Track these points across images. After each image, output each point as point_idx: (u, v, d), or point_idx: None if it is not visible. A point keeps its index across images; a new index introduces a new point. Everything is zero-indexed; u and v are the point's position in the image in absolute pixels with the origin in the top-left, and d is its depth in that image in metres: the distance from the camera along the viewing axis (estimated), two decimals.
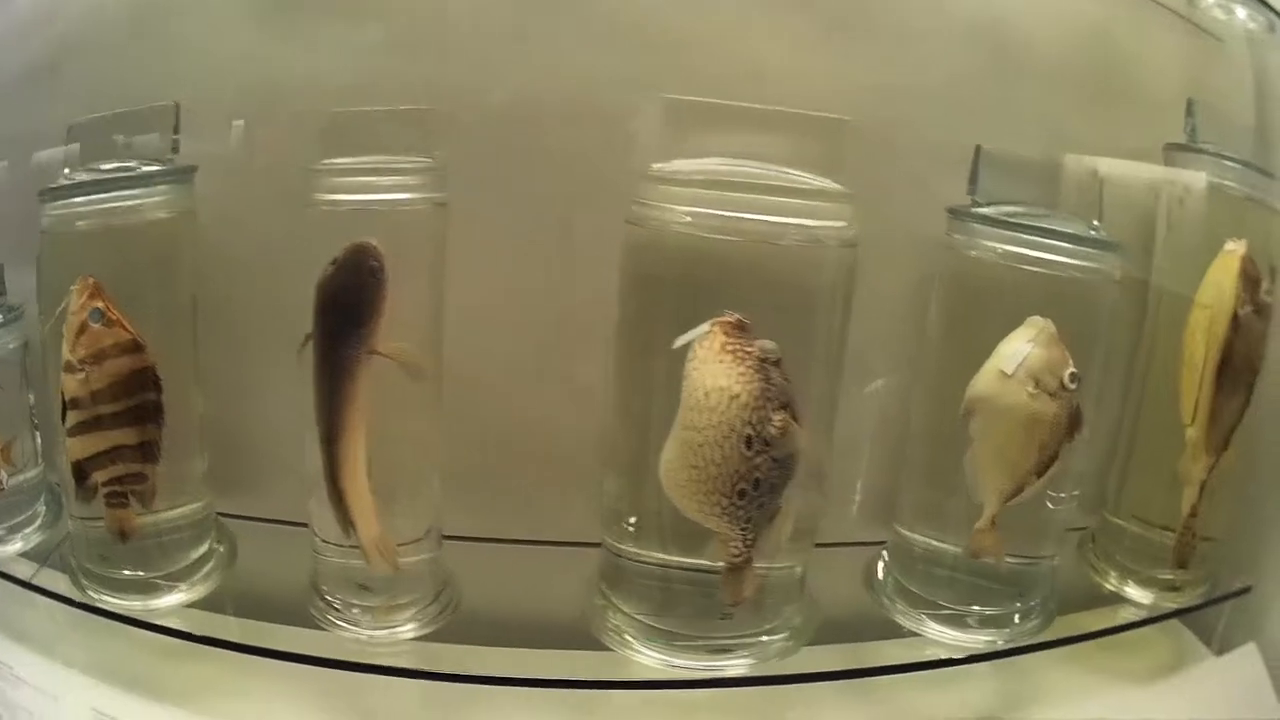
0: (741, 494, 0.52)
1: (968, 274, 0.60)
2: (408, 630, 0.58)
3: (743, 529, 0.54)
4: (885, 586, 0.66)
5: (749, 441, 0.52)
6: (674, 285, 0.53)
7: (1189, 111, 0.69)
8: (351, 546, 0.56)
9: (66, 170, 0.61)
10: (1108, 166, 0.73)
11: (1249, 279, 0.68)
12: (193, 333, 0.60)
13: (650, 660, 0.56)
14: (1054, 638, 0.65)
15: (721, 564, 0.54)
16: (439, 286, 0.56)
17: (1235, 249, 0.68)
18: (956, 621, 0.62)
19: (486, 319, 0.60)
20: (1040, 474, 0.60)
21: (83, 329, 0.57)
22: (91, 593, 0.61)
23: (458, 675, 0.58)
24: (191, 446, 0.61)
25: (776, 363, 0.53)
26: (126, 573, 0.60)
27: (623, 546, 0.57)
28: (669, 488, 0.53)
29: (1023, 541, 0.62)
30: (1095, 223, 0.62)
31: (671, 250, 0.53)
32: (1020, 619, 0.63)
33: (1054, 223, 0.60)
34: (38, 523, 0.67)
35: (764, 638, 0.57)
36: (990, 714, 0.65)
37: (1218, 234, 0.68)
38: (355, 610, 0.58)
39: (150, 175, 0.59)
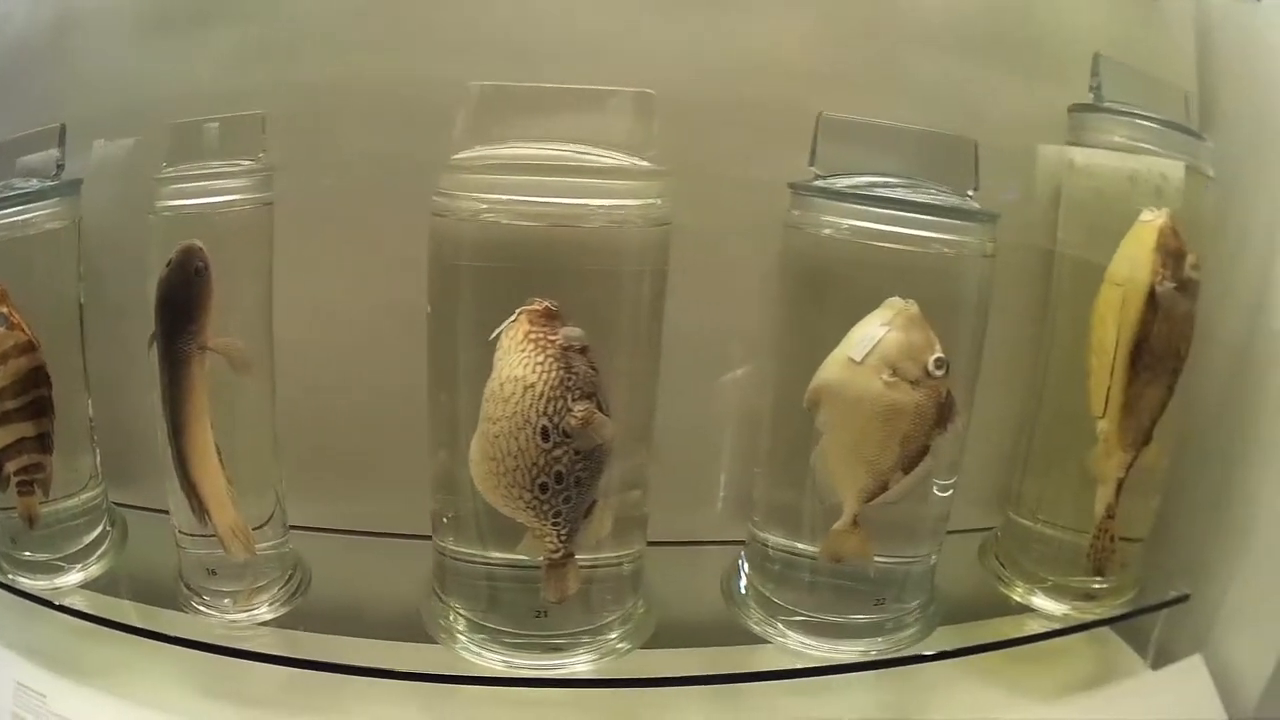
0: (543, 488, 0.46)
1: (815, 254, 0.51)
2: (264, 613, 0.55)
3: (554, 524, 0.47)
4: (744, 591, 0.57)
5: (545, 433, 0.45)
6: (481, 275, 0.48)
7: (1094, 69, 0.57)
8: (207, 535, 0.53)
9: None
10: (1082, 156, 0.63)
11: (1170, 252, 0.56)
12: (80, 333, 0.59)
13: (479, 659, 0.50)
14: (951, 647, 0.55)
15: (541, 560, 0.49)
16: (267, 282, 0.53)
17: (1153, 219, 0.56)
18: (817, 630, 0.53)
19: (325, 313, 0.56)
20: (908, 469, 0.51)
21: None
22: (12, 575, 0.61)
23: (319, 663, 0.54)
24: (83, 440, 0.60)
25: (582, 350, 0.47)
26: (28, 555, 0.59)
27: (445, 544, 0.52)
28: (476, 481, 0.47)
29: (893, 540, 0.52)
30: (970, 193, 0.52)
31: (476, 239, 0.47)
32: (894, 626, 0.53)
33: (910, 194, 0.50)
34: None
35: (599, 636, 0.51)
36: None
37: (1134, 202, 0.57)
38: (225, 599, 0.55)
39: (43, 191, 0.58)
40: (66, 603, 0.60)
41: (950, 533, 0.60)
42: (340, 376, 0.58)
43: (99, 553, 0.60)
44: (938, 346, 0.50)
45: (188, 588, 0.56)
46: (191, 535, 0.54)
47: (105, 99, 0.59)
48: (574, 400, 0.46)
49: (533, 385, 0.46)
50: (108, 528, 0.61)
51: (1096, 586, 0.59)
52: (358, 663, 0.54)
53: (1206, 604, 0.65)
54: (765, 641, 0.54)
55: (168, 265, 0.51)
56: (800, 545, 0.53)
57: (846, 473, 0.50)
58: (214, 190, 0.51)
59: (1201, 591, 0.65)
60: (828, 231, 0.50)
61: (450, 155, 0.48)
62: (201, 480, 0.53)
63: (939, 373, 0.50)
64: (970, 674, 0.59)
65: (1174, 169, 0.63)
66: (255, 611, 0.55)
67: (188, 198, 0.52)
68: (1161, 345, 0.56)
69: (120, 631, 0.59)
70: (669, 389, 0.53)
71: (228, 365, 0.52)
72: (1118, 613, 0.58)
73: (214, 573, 0.54)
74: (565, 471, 0.46)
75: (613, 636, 0.51)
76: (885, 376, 0.49)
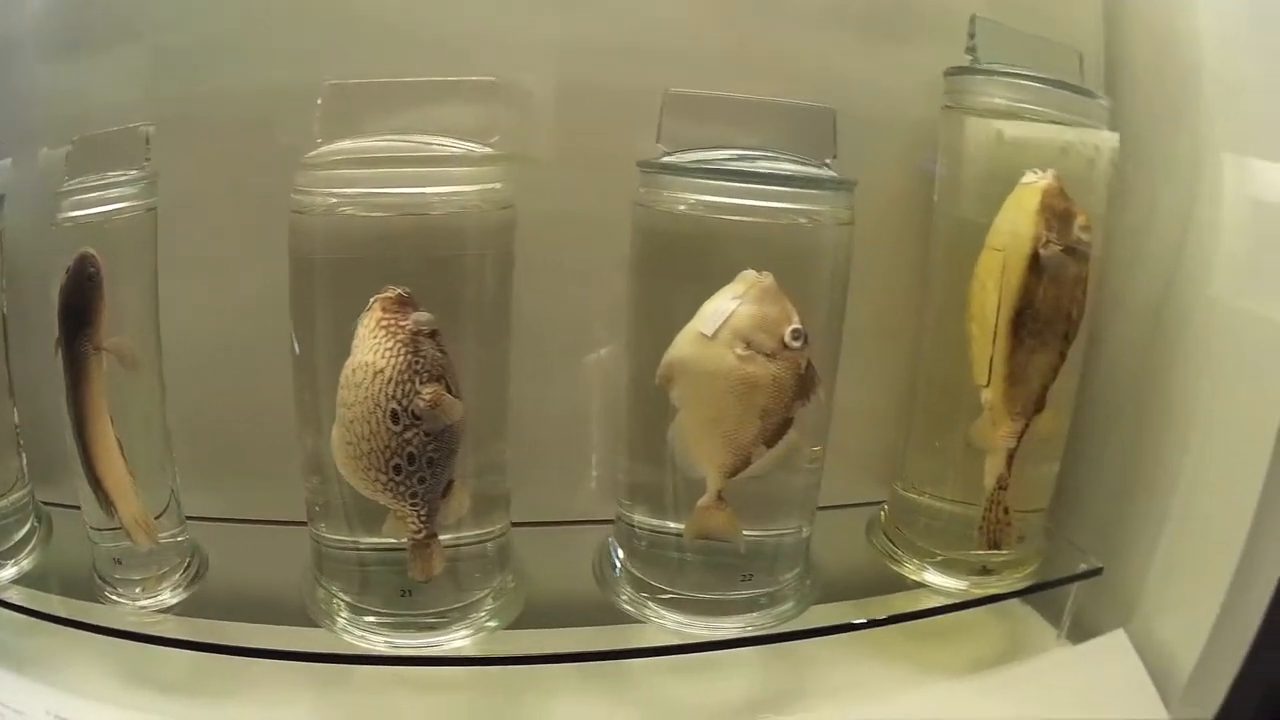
0: (397, 469, 0.48)
1: (665, 231, 0.51)
2: (168, 598, 0.57)
3: (413, 504, 0.49)
4: (615, 571, 0.57)
5: (395, 416, 0.47)
6: (338, 267, 0.49)
7: (971, 30, 0.56)
8: (114, 528, 0.57)
9: None
10: (1011, 129, 0.61)
11: (1055, 214, 0.55)
12: (4, 342, 0.62)
13: (362, 640, 0.52)
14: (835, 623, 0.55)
15: (406, 540, 0.50)
16: (154, 282, 0.55)
17: (1035, 180, 0.55)
18: (690, 608, 0.53)
19: (212, 311, 0.59)
20: (771, 442, 0.51)
21: None
22: None
23: (221, 646, 0.56)
24: (9, 443, 0.63)
25: (431, 334, 0.48)
26: None
27: (319, 530, 0.54)
28: (338, 465, 0.49)
29: (762, 514, 0.52)
30: (828, 161, 0.52)
31: (332, 233, 0.49)
32: (769, 601, 0.53)
33: (759, 165, 0.50)
34: None
35: (469, 614, 0.52)
36: (755, 705, 0.56)
37: (1014, 166, 0.56)
38: (135, 588, 0.58)
39: None
40: (5, 597, 0.66)
41: (841, 507, 0.60)
42: (230, 371, 0.60)
43: (29, 549, 0.63)
44: (795, 318, 0.50)
45: (101, 578, 0.59)
46: (100, 530, 0.57)
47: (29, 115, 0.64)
48: (422, 383, 0.47)
49: (382, 370, 0.47)
50: (35, 524, 0.65)
51: (999, 559, 0.58)
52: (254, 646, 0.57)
53: (1129, 577, 0.63)
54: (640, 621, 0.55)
55: (66, 273, 0.55)
56: (666, 523, 0.53)
57: (705, 448, 0.50)
58: (104, 200, 0.54)
59: (1123, 565, 0.63)
60: (682, 208, 0.51)
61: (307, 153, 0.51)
62: (106, 474, 0.57)
63: (796, 344, 0.50)
64: (866, 652, 0.58)
65: (1108, 140, 0.62)
66: (160, 598, 0.57)
67: (83, 209, 0.55)
68: (1049, 310, 0.55)
69: (50, 623, 0.64)
70: (538, 371, 0.54)
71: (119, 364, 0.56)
72: (1019, 587, 0.58)
73: (120, 562, 0.57)
74: (417, 453, 0.48)
75: (482, 614, 0.52)
76: (739, 350, 0.50)
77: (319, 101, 0.50)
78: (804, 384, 0.50)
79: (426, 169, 0.48)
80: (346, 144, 0.50)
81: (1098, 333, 0.63)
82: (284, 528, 0.61)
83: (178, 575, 0.59)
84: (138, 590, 0.59)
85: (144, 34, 0.62)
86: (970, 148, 0.59)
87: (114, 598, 0.59)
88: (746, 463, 0.51)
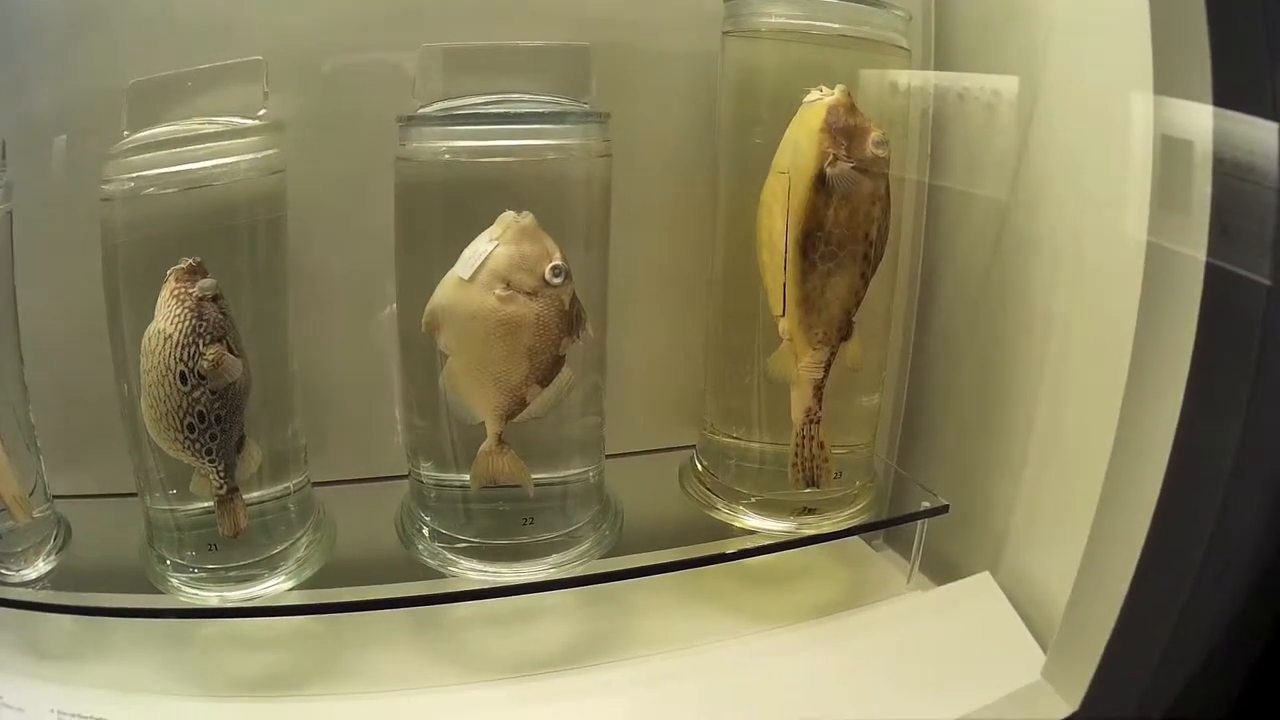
0: (190, 428, 0.55)
1: (428, 182, 0.56)
2: (42, 567, 0.66)
3: (211, 461, 0.56)
4: (414, 525, 0.61)
5: (183, 377, 0.54)
6: (140, 248, 0.57)
7: None
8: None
9: None
10: (904, 78, 0.64)
11: (842, 131, 0.57)
12: None
13: (191, 598, 0.59)
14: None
15: (212, 498, 0.58)
16: (11, 281, 0.63)
17: (818, 98, 0.57)
18: (486, 555, 0.56)
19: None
20: (544, 381, 0.55)
21: None
22: None
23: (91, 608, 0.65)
24: None
25: (214, 299, 0.56)
26: None
27: (144, 501, 0.61)
28: (148, 429, 0.57)
29: (545, 457, 0.56)
30: (586, 100, 0.56)
31: (132, 217, 0.56)
32: (565, 543, 0.56)
33: (510, 106, 0.55)
34: None
35: (276, 566, 0.58)
36: (576, 652, 0.59)
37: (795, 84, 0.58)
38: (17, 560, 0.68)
39: None
40: None
41: (657, 451, 0.64)
42: (76, 361, 0.67)
43: None
44: (556, 255, 0.53)
45: None
46: None
47: None
48: (205, 345, 0.55)
49: (170, 336, 0.54)
50: None
51: (822, 497, 0.59)
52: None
53: (993, 518, 0.62)
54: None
55: None
56: (450, 475, 0.57)
57: (478, 392, 0.54)
58: None
59: (986, 505, 0.63)
60: (445, 158, 0.55)
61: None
62: None
63: (557, 281, 0.54)
64: (695, 598, 0.60)
65: (1007, 84, 0.63)
66: (37, 565, 0.66)
67: None
68: (842, 231, 0.56)
69: None
70: (336, 331, 0.61)
71: None
72: (847, 526, 0.59)
73: (2, 538, 0.67)
74: (206, 411, 0.54)
75: (292, 564, 0.59)
76: (498, 291, 0.54)
77: (122, 100, 0.60)
78: (570, 320, 0.54)
79: (201, 146, 0.55)
80: (144, 134, 0.59)
81: (936, 262, 0.64)
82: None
83: (49, 545, 0.67)
84: (22, 562, 0.71)
85: None
86: (752, 73, 0.61)
87: (3, 570, 0.72)
88: (522, 404, 0.55)
